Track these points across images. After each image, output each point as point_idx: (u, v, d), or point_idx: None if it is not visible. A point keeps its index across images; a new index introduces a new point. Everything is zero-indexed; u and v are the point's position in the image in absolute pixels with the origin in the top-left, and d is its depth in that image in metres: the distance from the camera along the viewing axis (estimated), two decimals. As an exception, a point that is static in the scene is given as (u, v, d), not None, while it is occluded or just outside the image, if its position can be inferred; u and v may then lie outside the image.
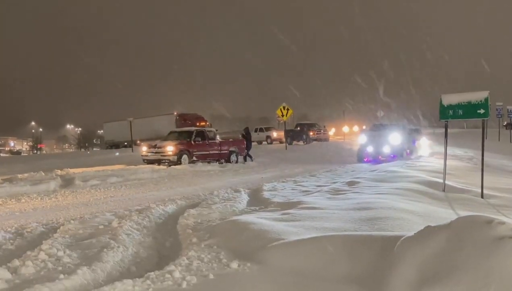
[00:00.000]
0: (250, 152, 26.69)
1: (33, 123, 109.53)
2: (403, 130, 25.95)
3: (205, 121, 44.66)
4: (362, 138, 25.15)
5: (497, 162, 20.70)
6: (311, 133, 45.51)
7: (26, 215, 9.44)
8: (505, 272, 3.70)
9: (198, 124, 41.16)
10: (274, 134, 40.23)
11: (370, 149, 24.23)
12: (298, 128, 46.96)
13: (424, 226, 4.69)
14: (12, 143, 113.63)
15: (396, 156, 23.81)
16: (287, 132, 44.90)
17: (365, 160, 24.11)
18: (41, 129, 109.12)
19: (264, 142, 45.56)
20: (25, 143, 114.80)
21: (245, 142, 26.83)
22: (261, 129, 48.05)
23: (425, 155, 25.65)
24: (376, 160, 23.68)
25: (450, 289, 3.75)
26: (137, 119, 46.48)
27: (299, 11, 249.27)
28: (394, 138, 23.92)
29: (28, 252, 5.87)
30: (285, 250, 5.26)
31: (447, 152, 11.35)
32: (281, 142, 43.55)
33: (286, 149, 34.18)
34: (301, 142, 42.85)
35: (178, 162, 21.82)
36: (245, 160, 25.98)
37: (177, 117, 42.81)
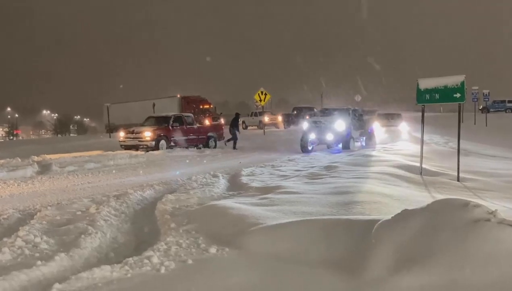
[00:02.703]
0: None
1: (8, 109, 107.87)
2: (354, 115, 22.46)
3: (209, 104, 43.39)
4: (305, 125, 22.23)
5: (472, 146, 20.93)
6: (308, 117, 45.45)
7: (2, 201, 9.31)
8: (481, 254, 3.77)
9: (202, 107, 40.55)
10: (266, 119, 40.12)
11: (312, 137, 21.42)
12: (295, 112, 46.73)
13: (401, 209, 4.74)
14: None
15: (337, 144, 21.38)
16: (284, 116, 44.93)
17: (310, 149, 21.28)
18: (17, 115, 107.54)
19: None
20: (0, 129, 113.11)
21: (222, 127, 26.96)
22: (255, 114, 48.18)
23: (386, 144, 22.99)
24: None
25: (427, 271, 3.80)
26: (139, 102, 45.48)
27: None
28: (339, 125, 20.87)
29: (5, 239, 5.81)
30: (263, 235, 5.27)
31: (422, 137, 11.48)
32: (276, 127, 43.66)
33: (264, 134, 34.17)
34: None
35: (156, 148, 21.69)
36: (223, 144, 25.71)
37: (181, 100, 41.88)
